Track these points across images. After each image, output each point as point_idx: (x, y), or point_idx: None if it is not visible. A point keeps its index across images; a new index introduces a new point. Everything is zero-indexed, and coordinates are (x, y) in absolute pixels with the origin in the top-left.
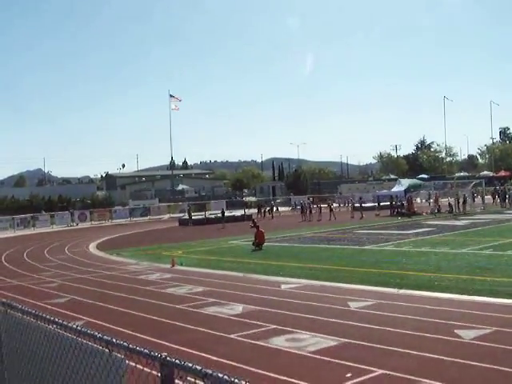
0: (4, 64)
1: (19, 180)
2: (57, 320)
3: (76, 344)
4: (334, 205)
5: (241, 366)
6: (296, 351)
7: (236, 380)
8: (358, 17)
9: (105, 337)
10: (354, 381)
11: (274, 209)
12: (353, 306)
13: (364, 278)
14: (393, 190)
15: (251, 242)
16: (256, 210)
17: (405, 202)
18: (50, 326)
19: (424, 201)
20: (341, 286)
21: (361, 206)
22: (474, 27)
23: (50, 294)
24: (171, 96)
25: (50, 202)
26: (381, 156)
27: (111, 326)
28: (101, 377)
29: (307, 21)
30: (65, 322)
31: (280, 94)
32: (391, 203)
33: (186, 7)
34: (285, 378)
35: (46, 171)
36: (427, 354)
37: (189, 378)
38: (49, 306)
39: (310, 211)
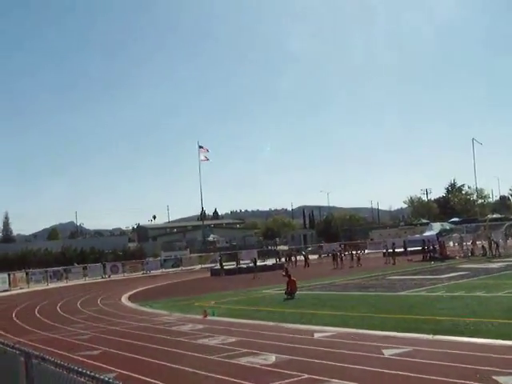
0: (46, 123)
1: (52, 233)
2: (88, 372)
3: None
4: (366, 251)
5: None
6: None
7: None
8: (379, 59)
9: None
10: None
11: (299, 257)
12: (387, 353)
13: (398, 325)
14: (424, 234)
15: (283, 291)
16: (285, 259)
17: (437, 246)
18: (82, 379)
19: (456, 244)
20: (374, 334)
21: (393, 251)
22: (502, 68)
23: (82, 346)
24: (200, 147)
25: (82, 254)
26: (411, 200)
27: (144, 378)
28: None
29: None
30: (96, 375)
31: (307, 141)
32: (423, 248)
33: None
34: None
35: (78, 224)
36: None
37: None
38: (81, 358)
39: (341, 258)
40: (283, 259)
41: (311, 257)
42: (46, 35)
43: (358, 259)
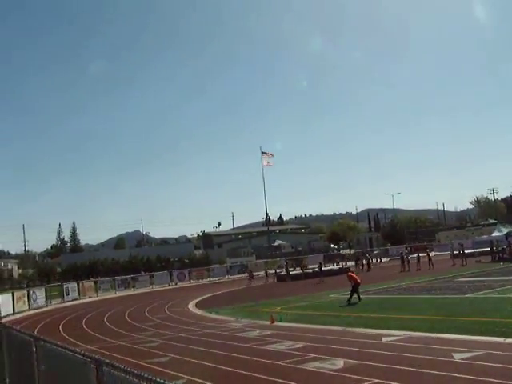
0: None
1: (119, 242)
2: (158, 380)
3: None
4: (433, 253)
5: None
6: None
7: None
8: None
9: None
10: None
11: (375, 260)
12: (457, 357)
13: (468, 328)
14: (493, 235)
15: (348, 297)
16: (354, 263)
17: (506, 247)
18: None
19: None
20: (444, 337)
21: (463, 252)
22: None
23: (151, 354)
24: (263, 153)
25: (148, 262)
26: (478, 201)
27: None
28: None
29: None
30: (166, 382)
31: (371, 145)
32: (491, 249)
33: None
34: None
35: (144, 232)
36: None
37: None
38: (150, 365)
39: (408, 261)
40: (350, 263)
41: (378, 260)
42: (48, 36)
43: (430, 259)
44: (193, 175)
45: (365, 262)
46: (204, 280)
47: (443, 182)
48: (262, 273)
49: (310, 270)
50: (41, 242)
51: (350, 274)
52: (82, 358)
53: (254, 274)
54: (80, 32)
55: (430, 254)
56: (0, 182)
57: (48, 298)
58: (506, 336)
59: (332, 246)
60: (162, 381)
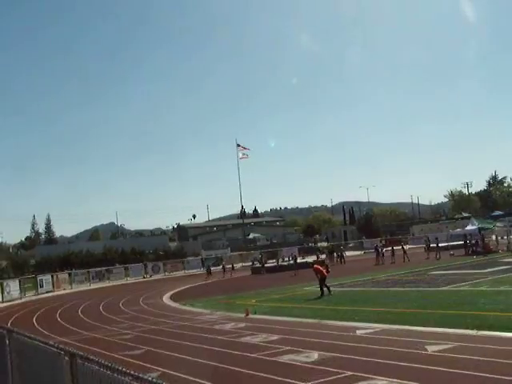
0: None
1: (93, 234)
2: (131, 372)
3: None
4: (407, 246)
5: None
6: None
7: None
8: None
9: None
10: None
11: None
12: (430, 349)
13: (441, 321)
14: (466, 228)
15: (319, 288)
16: (325, 256)
17: (479, 241)
18: (126, 378)
19: (500, 238)
20: (417, 330)
21: (437, 246)
22: None
23: (125, 346)
24: (238, 145)
25: (123, 254)
26: (452, 194)
27: (187, 377)
28: None
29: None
30: (140, 375)
31: (346, 137)
32: (465, 242)
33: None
34: None
35: (118, 224)
36: None
37: None
38: (125, 358)
39: (383, 254)
40: (324, 256)
41: (353, 253)
42: (43, 34)
43: (405, 252)
44: (168, 167)
45: (336, 255)
46: (179, 272)
47: (418, 176)
48: (238, 265)
49: (285, 263)
50: (15, 233)
51: (315, 266)
52: (56, 350)
53: (229, 266)
54: (74, 28)
55: (405, 247)
56: None
57: (22, 290)
58: (479, 328)
59: (307, 238)
60: (135, 373)
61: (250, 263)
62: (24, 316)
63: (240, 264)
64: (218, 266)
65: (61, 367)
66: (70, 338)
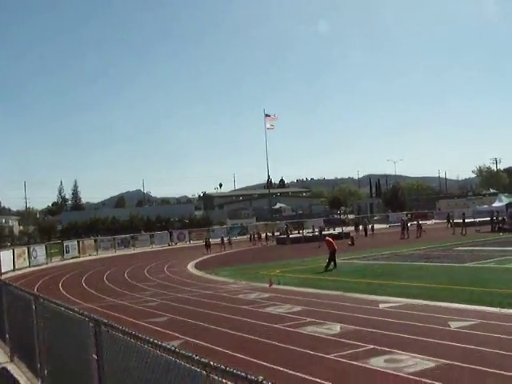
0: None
1: (119, 201)
2: (154, 341)
3: (174, 365)
4: (433, 221)
5: None
6: (394, 372)
7: None
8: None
9: (202, 359)
10: None
11: (370, 226)
12: (453, 325)
13: (465, 297)
14: (493, 205)
15: (325, 263)
16: (353, 228)
17: (506, 218)
18: (149, 346)
19: None
20: (441, 305)
21: (463, 221)
22: None
23: (149, 313)
24: (266, 115)
25: (149, 222)
26: (480, 170)
27: (209, 346)
28: None
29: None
30: (163, 344)
31: (375, 110)
32: (492, 219)
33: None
34: None
35: (145, 192)
36: None
37: None
38: (148, 325)
39: (408, 228)
40: (350, 228)
41: (378, 226)
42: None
43: (420, 228)
44: (196, 136)
45: (361, 228)
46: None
47: (446, 151)
48: (263, 235)
49: (310, 234)
50: (42, 199)
51: (327, 239)
52: (81, 317)
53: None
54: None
55: (420, 223)
56: (2, 137)
57: (48, 255)
58: (502, 306)
59: (333, 210)
60: (158, 342)
61: (278, 233)
62: (50, 281)
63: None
64: (243, 235)
65: (85, 334)
66: (95, 304)
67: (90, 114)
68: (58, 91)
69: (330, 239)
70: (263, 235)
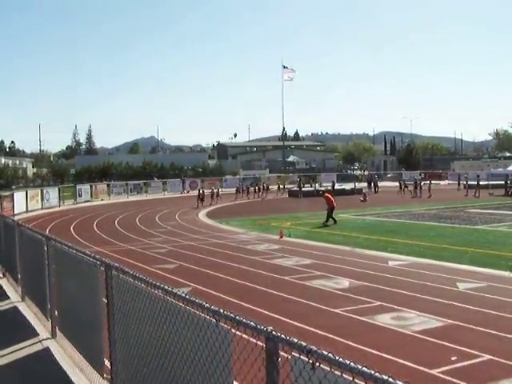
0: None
1: (133, 147)
2: (165, 287)
3: (184, 312)
4: (446, 181)
5: (342, 340)
6: (400, 329)
7: (340, 359)
8: None
9: (212, 307)
10: (460, 365)
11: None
12: (461, 286)
13: (474, 259)
14: (508, 168)
15: (325, 220)
16: (366, 184)
17: None
18: (159, 292)
19: None
20: (450, 266)
21: (477, 184)
22: None
23: (159, 260)
24: (284, 67)
25: (162, 169)
26: (497, 133)
27: (217, 294)
28: (206, 345)
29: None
30: (174, 290)
31: (394, 66)
32: (506, 182)
33: None
34: (387, 355)
35: (159, 139)
36: None
37: (294, 353)
38: (158, 271)
39: (421, 187)
40: (363, 184)
41: (391, 184)
42: None
43: (429, 189)
44: (211, 86)
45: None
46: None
47: (464, 111)
48: (276, 187)
49: (323, 188)
50: (56, 142)
51: (326, 195)
52: (93, 260)
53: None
54: None
55: (429, 183)
56: (16, 79)
57: (61, 198)
58: (511, 270)
59: (346, 165)
60: (168, 288)
61: (292, 186)
62: (62, 224)
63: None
64: (256, 186)
65: (96, 277)
66: (106, 248)
67: (107, 59)
68: (73, 36)
69: (330, 195)
70: (273, 187)
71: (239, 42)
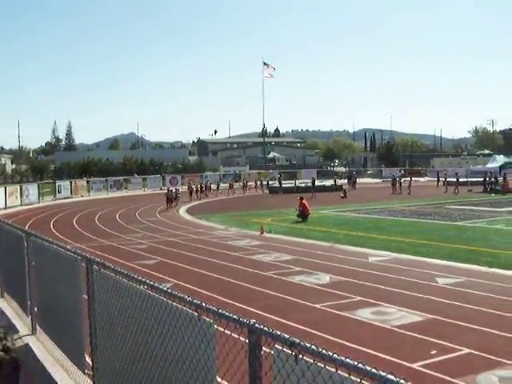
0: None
1: (114, 143)
2: (147, 281)
3: (166, 306)
4: (426, 178)
5: (323, 335)
6: (380, 324)
7: (323, 351)
8: None
9: (194, 301)
10: (439, 358)
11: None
12: (441, 282)
13: (453, 255)
14: (487, 165)
15: (297, 214)
16: (346, 181)
17: (500, 179)
18: (141, 287)
19: None
20: (429, 261)
21: (457, 180)
22: None
23: (139, 255)
24: (265, 64)
25: (142, 165)
26: (476, 130)
27: (198, 290)
28: (188, 339)
29: None
30: (156, 284)
31: (373, 64)
32: (485, 179)
33: None
34: (367, 350)
35: (139, 135)
36: None
37: (276, 346)
38: (138, 267)
39: (400, 184)
40: (342, 181)
41: (371, 180)
42: None
43: (409, 185)
44: (192, 81)
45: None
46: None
47: (443, 109)
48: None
49: (303, 185)
50: (35, 138)
51: (303, 202)
52: (73, 255)
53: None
54: None
55: (410, 180)
56: None
57: (40, 194)
58: (490, 265)
59: (327, 162)
60: (151, 282)
61: (260, 182)
62: (41, 220)
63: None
64: (236, 182)
65: (77, 272)
66: (86, 245)
67: (86, 56)
68: (50, 32)
69: (306, 203)
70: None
71: (219, 39)
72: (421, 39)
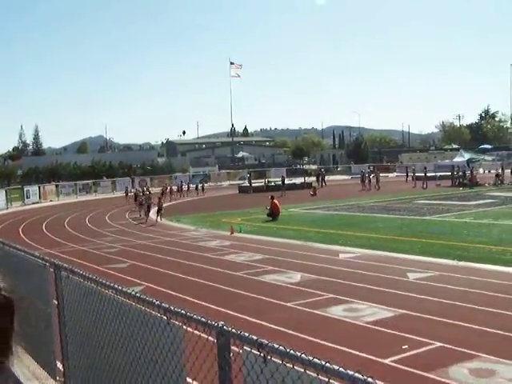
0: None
1: (82, 146)
2: (115, 286)
3: (134, 310)
4: (395, 174)
5: (296, 334)
6: (353, 321)
7: (291, 351)
8: None
9: (163, 304)
10: (411, 353)
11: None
12: (411, 277)
13: (423, 249)
14: (455, 160)
15: (267, 213)
16: (315, 178)
17: (468, 172)
18: (110, 292)
19: (487, 172)
20: (400, 257)
21: (425, 175)
22: None
23: (111, 259)
24: (231, 63)
25: (111, 168)
26: (443, 125)
27: (170, 292)
28: (158, 343)
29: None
30: (124, 289)
31: (342, 62)
32: (452, 173)
33: None
34: (340, 347)
35: (107, 138)
36: (485, 328)
37: (245, 348)
38: (109, 271)
39: (370, 180)
40: (312, 178)
41: (340, 177)
42: None
43: (377, 182)
44: (159, 84)
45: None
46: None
47: (411, 104)
48: (226, 183)
49: (273, 183)
50: (1, 144)
51: (274, 202)
52: (41, 261)
53: (217, 184)
54: None
55: (378, 175)
56: None
57: (8, 200)
58: (460, 259)
59: (295, 160)
60: (119, 287)
61: (237, 182)
62: (10, 226)
63: (228, 182)
64: (206, 183)
65: (46, 279)
66: (56, 250)
67: (52, 59)
68: (10, 36)
69: (277, 203)
70: (223, 183)
71: (186, 40)
72: (386, 36)
